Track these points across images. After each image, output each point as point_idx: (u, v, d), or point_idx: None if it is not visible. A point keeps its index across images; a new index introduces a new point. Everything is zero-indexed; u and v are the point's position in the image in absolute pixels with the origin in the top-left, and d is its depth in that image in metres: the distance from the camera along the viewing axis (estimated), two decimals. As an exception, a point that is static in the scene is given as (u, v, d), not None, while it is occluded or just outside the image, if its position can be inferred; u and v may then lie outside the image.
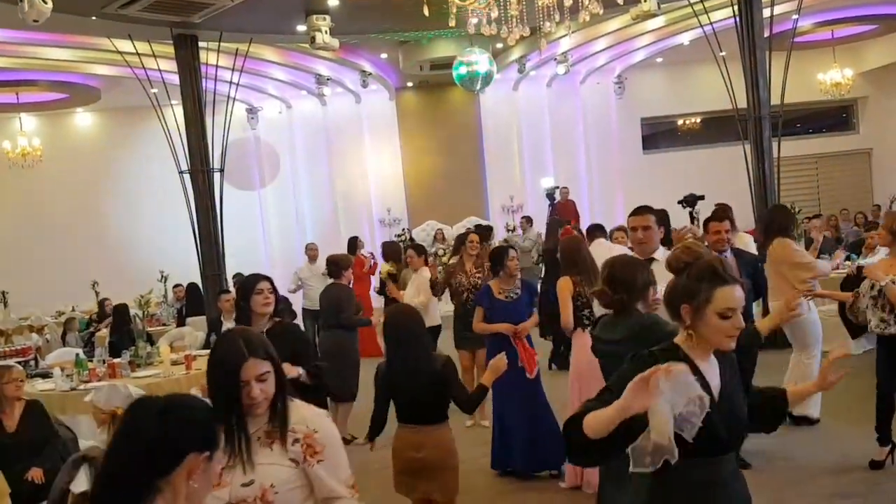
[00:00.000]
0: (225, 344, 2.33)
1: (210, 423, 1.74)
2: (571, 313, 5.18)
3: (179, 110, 9.79)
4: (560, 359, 8.41)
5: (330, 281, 7.21)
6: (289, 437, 2.28)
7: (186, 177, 9.30)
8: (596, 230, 7.79)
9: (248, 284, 4.18)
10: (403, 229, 15.73)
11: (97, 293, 13.28)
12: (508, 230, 15.42)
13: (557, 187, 15.38)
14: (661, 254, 4.24)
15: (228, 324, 7.91)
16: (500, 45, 14.15)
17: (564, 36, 13.46)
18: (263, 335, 2.51)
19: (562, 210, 14.63)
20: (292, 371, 3.73)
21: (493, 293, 5.74)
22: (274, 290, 4.24)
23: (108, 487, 1.64)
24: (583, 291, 5.20)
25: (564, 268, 5.42)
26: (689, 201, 10.38)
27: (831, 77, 15.08)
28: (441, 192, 16.22)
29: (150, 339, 8.75)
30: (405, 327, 3.99)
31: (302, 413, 2.35)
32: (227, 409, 2.23)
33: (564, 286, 5.25)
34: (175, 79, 9.87)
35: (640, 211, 4.45)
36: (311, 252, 10.53)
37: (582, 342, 5.21)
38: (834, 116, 18.35)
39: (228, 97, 9.72)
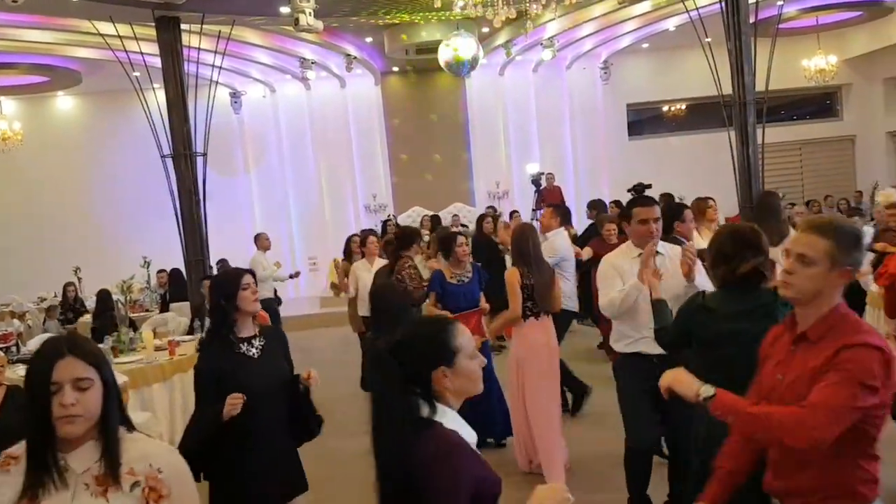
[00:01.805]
0: (44, 343, 1.93)
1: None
2: (521, 304, 5.20)
3: (162, 94, 9.68)
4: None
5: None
6: (126, 480, 1.83)
7: (169, 161, 9.21)
8: (564, 216, 7.82)
9: (231, 279, 3.48)
10: (389, 215, 15.69)
11: (80, 279, 13.17)
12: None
13: (543, 173, 15.37)
14: (664, 247, 4.09)
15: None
16: (486, 30, 14.10)
17: (551, 20, 13.46)
18: (96, 345, 2.03)
19: (548, 196, 14.60)
20: (314, 376, 3.42)
21: (445, 278, 5.91)
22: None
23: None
24: (528, 282, 5.23)
25: (513, 258, 5.48)
26: (638, 190, 10.46)
27: (816, 63, 15.14)
28: (427, 177, 16.18)
29: (133, 325, 8.70)
30: (391, 300, 4.08)
31: (143, 448, 1.91)
32: (37, 431, 1.82)
33: (513, 277, 5.26)
34: (157, 62, 9.75)
35: (651, 202, 4.16)
36: (264, 241, 10.33)
37: (524, 331, 5.29)
38: (818, 103, 18.44)
39: (211, 81, 9.62)
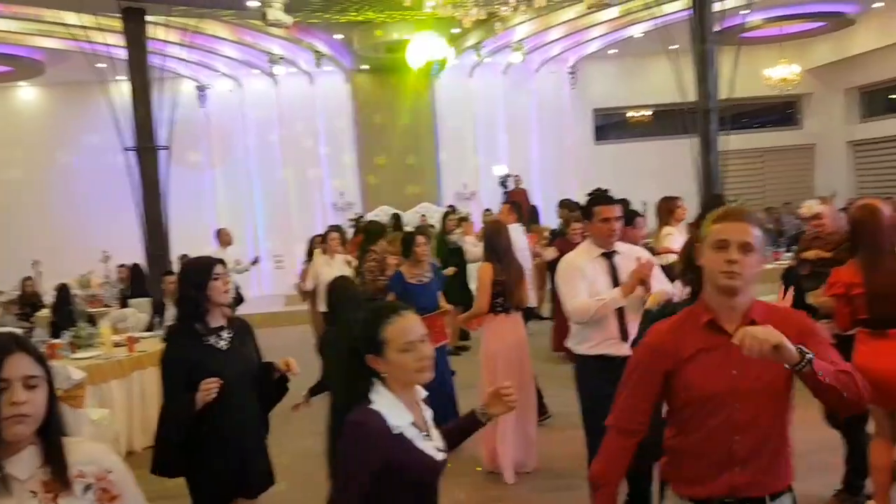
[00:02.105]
0: None
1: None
2: (489, 299, 5.29)
3: (126, 86, 9.55)
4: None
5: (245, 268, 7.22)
6: (77, 483, 1.74)
7: (132, 154, 9.09)
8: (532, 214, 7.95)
9: (202, 269, 3.36)
10: (356, 214, 15.65)
11: (40, 273, 12.94)
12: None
13: (510, 175, 15.47)
14: (621, 247, 4.14)
15: (172, 305, 7.80)
16: (456, 31, 14.14)
17: (520, 23, 13.55)
18: (37, 345, 1.94)
19: (514, 198, 14.69)
20: (294, 366, 3.42)
21: (405, 278, 5.92)
22: None
23: None
24: (501, 278, 5.31)
25: (485, 254, 5.51)
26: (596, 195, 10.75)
27: (778, 73, 15.42)
28: (395, 176, 16.17)
29: (92, 321, 8.58)
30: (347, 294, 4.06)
31: (87, 450, 1.82)
32: None
33: (485, 273, 5.34)
34: (122, 54, 9.62)
35: (613, 201, 4.15)
36: (225, 237, 10.26)
37: (492, 328, 5.37)
38: (779, 111, 18.80)
39: (177, 73, 9.52)
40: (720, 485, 2.16)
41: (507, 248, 5.49)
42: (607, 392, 3.81)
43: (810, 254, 4.84)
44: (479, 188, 16.76)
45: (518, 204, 7.77)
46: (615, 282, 4.04)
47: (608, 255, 4.08)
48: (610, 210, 4.04)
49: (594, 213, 4.06)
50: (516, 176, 15.39)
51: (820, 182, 17.96)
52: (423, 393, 2.32)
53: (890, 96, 17.25)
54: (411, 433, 2.17)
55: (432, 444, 2.23)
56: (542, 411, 6.16)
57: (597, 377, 3.99)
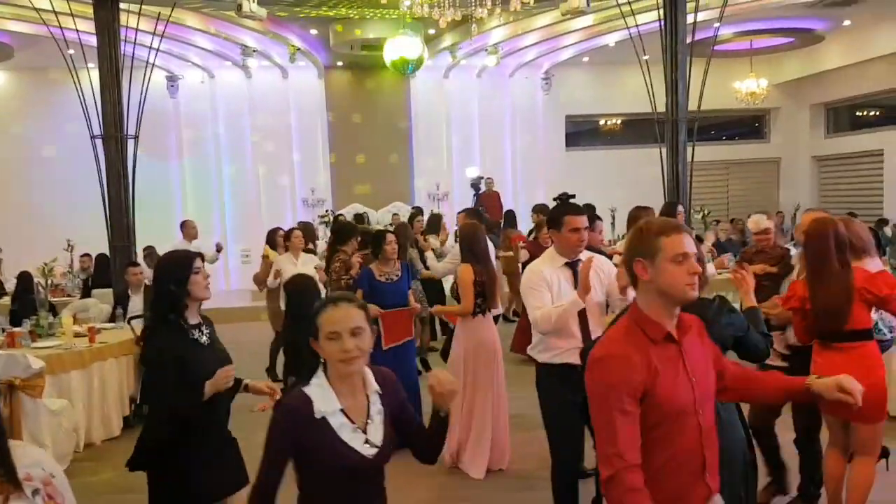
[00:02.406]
0: None
1: None
2: (472, 301, 5.36)
3: (96, 74, 9.42)
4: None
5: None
6: (26, 486, 1.68)
7: (99, 142, 8.96)
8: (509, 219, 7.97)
9: (183, 263, 3.28)
10: (327, 210, 15.59)
11: (1, 260, 12.70)
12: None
13: (482, 177, 15.53)
14: (583, 254, 4.11)
15: (135, 297, 7.72)
16: (432, 31, 14.17)
17: (496, 27, 13.62)
18: None
19: (486, 201, 14.76)
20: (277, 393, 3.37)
21: (374, 275, 5.97)
22: None
23: None
24: (480, 279, 5.38)
25: (463, 255, 5.56)
26: (563, 200, 10.82)
27: (747, 86, 15.69)
28: (367, 175, 16.16)
29: (54, 310, 8.45)
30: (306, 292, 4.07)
31: (31, 453, 1.77)
32: None
33: (466, 274, 5.40)
34: (93, 40, 9.49)
35: (582, 210, 4.11)
36: (191, 230, 10.18)
37: (469, 328, 5.43)
38: (747, 125, 19.12)
39: (147, 62, 9.40)
40: (699, 495, 2.19)
41: (485, 250, 5.60)
42: (570, 399, 3.71)
43: (757, 268, 4.95)
44: (451, 189, 16.81)
45: (478, 210, 7.80)
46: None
47: (572, 265, 4.03)
48: (579, 220, 4.00)
49: (563, 223, 4.01)
50: (488, 178, 15.47)
51: (784, 196, 18.31)
52: (375, 385, 2.35)
53: (856, 113, 17.66)
54: (337, 421, 2.25)
55: (362, 438, 2.27)
56: None
57: (560, 386, 3.93)
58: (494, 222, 12.27)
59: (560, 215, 4.06)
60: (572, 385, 3.70)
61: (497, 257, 8.36)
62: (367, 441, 2.28)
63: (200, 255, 3.40)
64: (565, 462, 4.12)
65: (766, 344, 3.40)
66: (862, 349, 3.87)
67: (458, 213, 9.49)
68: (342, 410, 2.27)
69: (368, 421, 2.31)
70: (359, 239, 7.38)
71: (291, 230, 8.28)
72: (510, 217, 12.29)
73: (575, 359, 3.84)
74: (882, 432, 4.05)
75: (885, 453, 5.11)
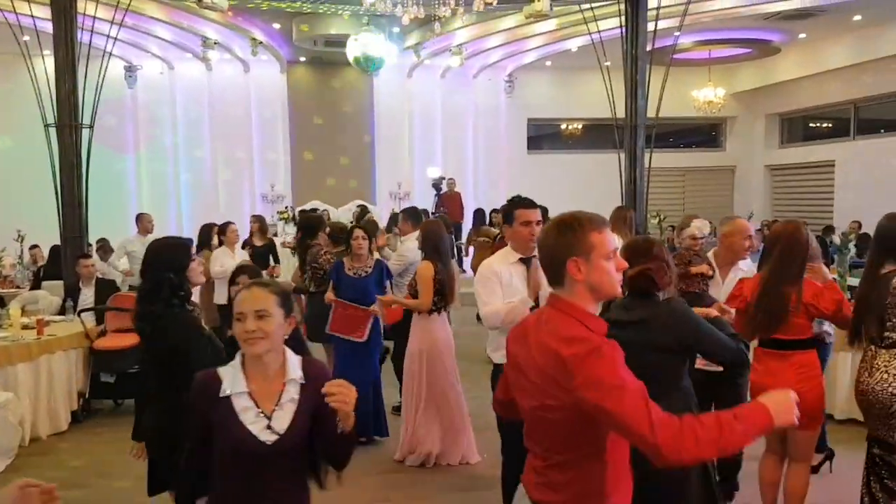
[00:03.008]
0: None
1: None
2: (431, 297, 5.41)
3: (51, 61, 9.21)
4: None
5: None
6: None
7: (52, 131, 8.76)
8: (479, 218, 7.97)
9: (181, 250, 3.34)
10: (286, 207, 15.47)
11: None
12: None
13: (443, 178, 15.55)
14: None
15: (87, 289, 7.57)
16: (396, 30, 14.15)
17: (460, 27, 13.66)
18: None
19: (447, 201, 14.78)
20: None
21: (344, 268, 6.01)
22: None
23: None
24: (440, 277, 5.44)
25: (427, 253, 5.58)
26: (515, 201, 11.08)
27: (705, 95, 15.98)
28: (328, 172, 16.08)
29: (2, 301, 8.24)
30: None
31: None
32: None
33: (427, 271, 5.45)
34: (49, 27, 9.27)
35: (534, 204, 4.03)
36: (147, 224, 10.02)
37: (426, 326, 5.48)
38: (704, 133, 19.49)
39: (105, 51, 9.22)
40: (628, 490, 2.24)
41: (448, 250, 5.67)
42: None
43: (702, 267, 5.04)
44: (413, 188, 16.81)
45: (416, 212, 7.79)
46: None
47: (526, 261, 3.94)
48: (530, 213, 3.95)
49: (514, 217, 3.96)
50: (450, 179, 15.49)
51: (738, 203, 18.68)
52: (296, 374, 2.35)
53: (809, 124, 18.10)
54: (241, 404, 2.28)
55: (264, 423, 2.27)
56: None
57: None
58: (455, 223, 12.30)
59: (511, 209, 4.02)
60: None
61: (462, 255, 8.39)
62: (269, 427, 2.28)
63: (191, 241, 3.49)
64: (516, 464, 4.06)
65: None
66: (801, 357, 3.90)
67: (398, 212, 9.44)
68: (249, 393, 2.29)
69: (276, 407, 2.30)
70: (327, 231, 7.34)
71: (227, 224, 8.15)
72: (480, 215, 12.33)
73: None
74: (816, 440, 4.12)
75: (829, 456, 5.27)
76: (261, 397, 2.30)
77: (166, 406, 3.20)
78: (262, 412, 2.29)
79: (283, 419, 2.30)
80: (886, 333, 3.50)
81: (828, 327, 4.79)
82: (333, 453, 2.41)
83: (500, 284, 3.90)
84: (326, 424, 2.33)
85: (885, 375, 3.48)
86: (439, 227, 5.80)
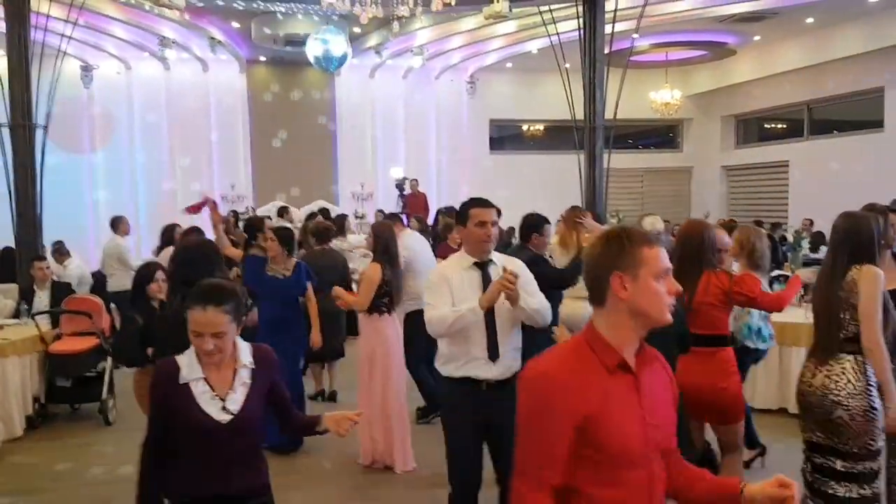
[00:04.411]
0: None
1: None
2: (369, 299, 5.44)
3: (4, 62, 9.03)
4: None
5: None
6: None
7: (5, 131, 8.59)
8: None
9: (212, 252, 3.64)
10: (247, 207, 15.33)
11: None
12: (357, 217, 15.24)
13: (406, 178, 15.54)
14: (497, 257, 3.76)
15: (41, 292, 7.44)
16: (357, 30, 14.13)
17: (420, 28, 13.68)
18: None
19: (412, 202, 14.75)
20: None
21: (265, 267, 6.02)
22: None
23: None
24: (389, 279, 5.48)
25: (377, 253, 5.61)
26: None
27: (662, 97, 16.22)
28: (290, 172, 15.95)
29: (-48, 305, 8.03)
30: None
31: None
32: None
33: (374, 272, 5.48)
34: (1, 25, 9.10)
35: (489, 204, 3.76)
36: (125, 225, 9.94)
37: (376, 327, 5.52)
38: (662, 134, 19.78)
39: (59, 50, 9.06)
40: None
41: (397, 252, 5.68)
42: (470, 420, 3.57)
43: None
44: (376, 189, 16.78)
45: (341, 217, 7.91)
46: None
47: (481, 266, 3.66)
48: (486, 213, 3.67)
49: (469, 216, 3.68)
50: (414, 180, 15.46)
51: (695, 202, 18.99)
52: (247, 360, 2.62)
53: (764, 125, 18.48)
54: (199, 388, 2.53)
55: (219, 405, 2.53)
56: (434, 409, 6.31)
57: (459, 405, 3.63)
58: (425, 223, 12.20)
59: (466, 208, 3.74)
60: (472, 404, 3.58)
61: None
62: (223, 408, 2.53)
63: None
64: (462, 485, 3.72)
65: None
66: (720, 354, 4.00)
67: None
68: (205, 379, 2.54)
69: (230, 391, 2.56)
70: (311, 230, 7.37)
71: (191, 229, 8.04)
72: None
73: (477, 372, 3.58)
74: (742, 431, 4.23)
75: (762, 451, 5.40)
76: (216, 382, 2.55)
77: None
78: (217, 395, 2.54)
79: (236, 401, 2.56)
80: (842, 333, 3.41)
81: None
82: (290, 431, 2.74)
83: (451, 291, 3.61)
84: (279, 404, 2.71)
85: (826, 381, 3.39)
86: (387, 227, 5.84)
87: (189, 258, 3.64)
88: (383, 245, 5.58)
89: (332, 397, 7.41)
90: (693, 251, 4.05)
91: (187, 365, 2.56)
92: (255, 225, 6.97)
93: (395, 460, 5.50)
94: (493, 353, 3.59)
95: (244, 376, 2.60)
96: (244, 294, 3.17)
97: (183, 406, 2.51)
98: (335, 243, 8.28)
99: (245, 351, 2.65)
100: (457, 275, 3.66)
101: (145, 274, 4.65)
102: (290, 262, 6.03)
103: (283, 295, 5.94)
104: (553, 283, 4.78)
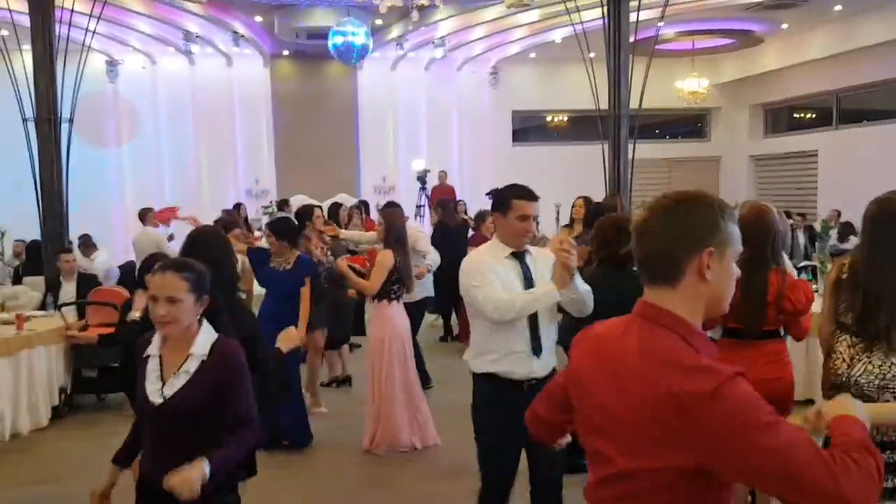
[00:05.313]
0: None
1: None
2: (380, 284, 5.48)
3: (29, 56, 9.14)
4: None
5: None
6: None
7: (31, 126, 8.69)
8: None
9: (213, 239, 3.51)
10: (271, 201, 15.39)
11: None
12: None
13: (428, 170, 15.48)
14: (532, 248, 3.58)
15: (67, 284, 7.52)
16: (379, 22, 14.10)
17: (443, 19, 13.62)
18: None
19: (439, 194, 14.66)
20: None
21: (269, 259, 5.98)
22: None
23: None
24: (398, 266, 5.53)
25: (388, 241, 5.64)
26: (494, 194, 11.54)
27: (689, 85, 16.01)
28: (313, 166, 15.98)
29: (-18, 298, 8.15)
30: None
31: None
32: None
33: (387, 258, 5.52)
34: (26, 20, 9.19)
35: (535, 197, 3.48)
36: (154, 218, 10.07)
37: (385, 314, 5.58)
38: (688, 124, 19.53)
39: (84, 45, 9.14)
40: None
41: (406, 239, 5.75)
42: (506, 419, 3.14)
43: None
44: (398, 182, 16.76)
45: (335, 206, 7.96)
46: (528, 285, 3.37)
47: (518, 255, 3.44)
48: (529, 206, 3.40)
49: (511, 207, 3.39)
50: (442, 171, 15.38)
51: (724, 193, 18.71)
52: (200, 350, 2.52)
53: (793, 115, 18.17)
54: (151, 365, 2.54)
55: (157, 387, 2.50)
56: (426, 379, 6.71)
57: (496, 404, 3.35)
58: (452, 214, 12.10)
59: (508, 197, 3.42)
60: (507, 403, 3.23)
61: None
62: (160, 390, 2.49)
63: None
64: (496, 486, 3.49)
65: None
66: (772, 346, 3.74)
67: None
68: (160, 357, 2.54)
69: (174, 375, 2.51)
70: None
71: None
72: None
73: (516, 368, 3.33)
74: None
75: None
76: (167, 363, 2.53)
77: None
78: (160, 376, 2.52)
79: (174, 386, 2.49)
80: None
81: None
82: (224, 440, 2.48)
83: (497, 275, 3.36)
84: (229, 405, 2.50)
85: (870, 367, 3.16)
86: (400, 216, 5.88)
87: (195, 246, 3.43)
88: (394, 234, 5.61)
89: (348, 381, 7.54)
90: (762, 242, 3.63)
91: (155, 341, 2.58)
92: (306, 213, 6.97)
93: (404, 441, 5.59)
94: (537, 347, 3.36)
95: (191, 365, 2.50)
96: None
97: (139, 379, 2.55)
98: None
99: (203, 341, 2.53)
100: (499, 265, 3.40)
101: (147, 265, 4.62)
102: (292, 256, 5.82)
103: (280, 288, 5.81)
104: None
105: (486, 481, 3.51)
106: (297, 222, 6.79)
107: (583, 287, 3.35)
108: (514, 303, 3.25)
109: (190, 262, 2.60)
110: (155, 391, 2.50)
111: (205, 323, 2.57)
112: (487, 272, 3.34)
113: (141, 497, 2.63)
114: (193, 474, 2.30)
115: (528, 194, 3.44)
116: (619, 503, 1.54)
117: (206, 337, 2.55)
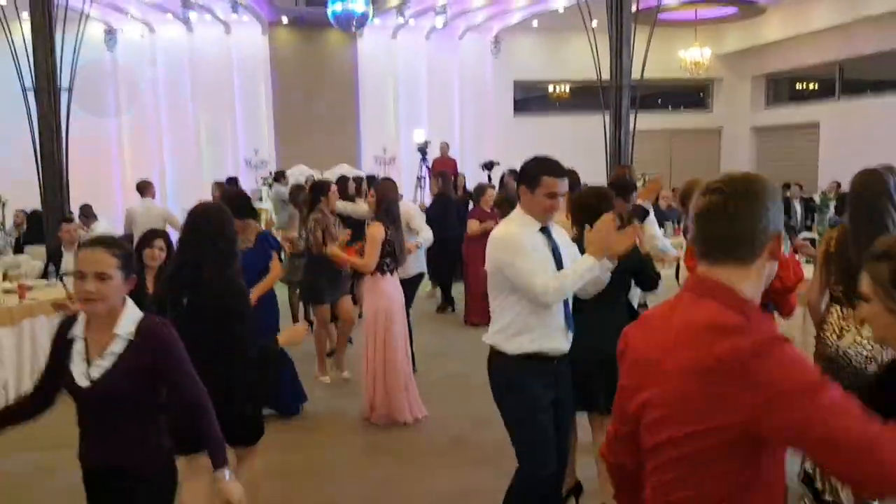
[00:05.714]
0: None
1: None
2: (376, 259, 5.48)
3: (27, 26, 9.07)
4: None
5: None
6: None
7: (31, 95, 8.66)
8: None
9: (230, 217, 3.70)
10: (270, 172, 15.36)
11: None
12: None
13: (429, 142, 15.37)
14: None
15: (68, 254, 7.54)
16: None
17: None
18: None
19: (441, 166, 14.57)
20: None
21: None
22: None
23: None
24: (391, 239, 5.50)
25: (379, 213, 5.62)
26: (488, 166, 12.87)
27: (691, 55, 15.88)
28: (312, 136, 15.91)
29: (-16, 267, 8.18)
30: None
31: None
32: None
33: (377, 232, 5.49)
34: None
35: (564, 172, 3.36)
36: (153, 189, 10.01)
37: (379, 287, 5.58)
38: (690, 94, 19.40)
39: (82, 13, 9.07)
40: None
41: (399, 212, 5.71)
42: (546, 402, 3.25)
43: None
44: (398, 153, 16.70)
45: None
46: (557, 258, 3.31)
47: (544, 230, 3.35)
48: (559, 184, 3.26)
49: (540, 183, 3.24)
50: (444, 143, 15.22)
51: (725, 164, 18.66)
52: (125, 330, 2.45)
53: (795, 86, 18.06)
54: (76, 347, 2.49)
55: (83, 369, 2.46)
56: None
57: (533, 384, 3.26)
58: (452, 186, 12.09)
59: (537, 173, 3.27)
60: (544, 381, 3.26)
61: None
62: (86, 373, 2.45)
63: None
64: (547, 476, 3.31)
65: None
66: None
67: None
68: (85, 339, 2.49)
69: (99, 357, 2.46)
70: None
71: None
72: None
73: (553, 344, 3.28)
74: None
75: None
76: (93, 345, 2.47)
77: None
78: (86, 359, 2.46)
79: (100, 368, 2.44)
80: None
81: None
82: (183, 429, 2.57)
83: (535, 253, 3.26)
84: (169, 387, 2.51)
85: (858, 337, 3.28)
86: (393, 189, 5.82)
87: (196, 222, 3.46)
88: (385, 205, 5.59)
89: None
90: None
91: (79, 322, 2.52)
92: (320, 188, 6.89)
93: (403, 413, 5.62)
94: (570, 323, 3.35)
95: (117, 346, 2.45)
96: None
97: (63, 362, 2.50)
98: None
99: (128, 320, 2.47)
100: (530, 239, 3.27)
101: (146, 239, 4.64)
102: (251, 233, 5.48)
103: (247, 268, 5.69)
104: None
105: (531, 470, 3.29)
106: (311, 196, 6.78)
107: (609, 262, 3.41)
108: (565, 283, 3.19)
109: (119, 240, 2.59)
110: (81, 374, 2.45)
111: (129, 302, 2.51)
112: (526, 251, 3.22)
113: (89, 488, 2.60)
114: (235, 493, 2.52)
115: (557, 170, 3.30)
116: (667, 471, 1.58)
117: (131, 315, 2.48)
